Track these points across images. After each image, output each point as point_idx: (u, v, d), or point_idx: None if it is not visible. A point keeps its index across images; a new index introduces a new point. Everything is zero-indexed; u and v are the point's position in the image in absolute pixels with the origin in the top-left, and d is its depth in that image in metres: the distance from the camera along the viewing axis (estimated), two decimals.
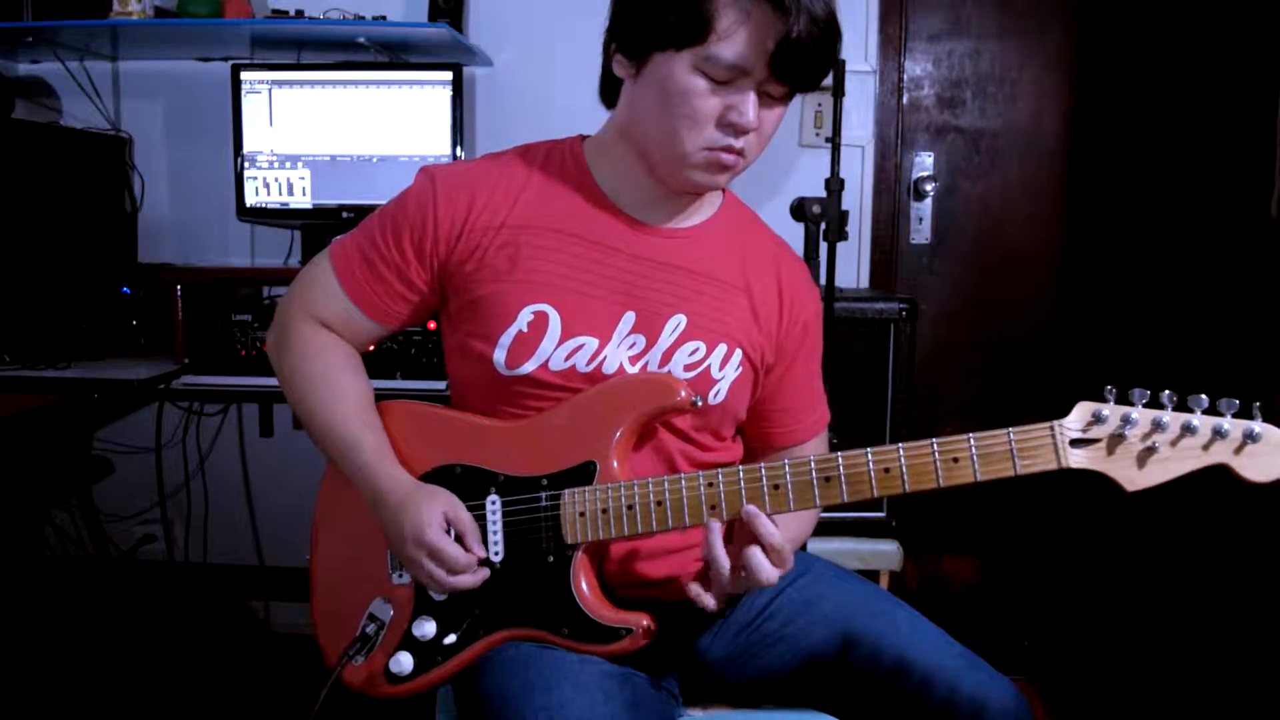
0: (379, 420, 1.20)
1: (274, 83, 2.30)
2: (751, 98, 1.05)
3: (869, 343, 2.16)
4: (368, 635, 1.16)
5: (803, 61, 1.03)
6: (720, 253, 1.21)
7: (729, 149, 1.08)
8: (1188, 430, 0.96)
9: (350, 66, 2.34)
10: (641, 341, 1.16)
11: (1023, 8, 2.56)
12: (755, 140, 1.10)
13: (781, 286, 1.24)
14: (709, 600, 1.07)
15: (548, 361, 1.14)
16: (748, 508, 1.05)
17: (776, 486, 1.06)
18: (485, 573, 1.12)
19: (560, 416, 1.14)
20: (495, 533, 1.13)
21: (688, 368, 1.17)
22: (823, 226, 1.98)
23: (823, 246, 2.00)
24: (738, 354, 1.19)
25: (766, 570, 1.05)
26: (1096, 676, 2.51)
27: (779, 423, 1.29)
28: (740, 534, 1.07)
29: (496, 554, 1.13)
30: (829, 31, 1.04)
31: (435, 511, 1.11)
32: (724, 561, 1.05)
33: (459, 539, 1.11)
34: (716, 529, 1.06)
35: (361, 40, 2.32)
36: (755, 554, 1.04)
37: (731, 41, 1.02)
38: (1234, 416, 0.96)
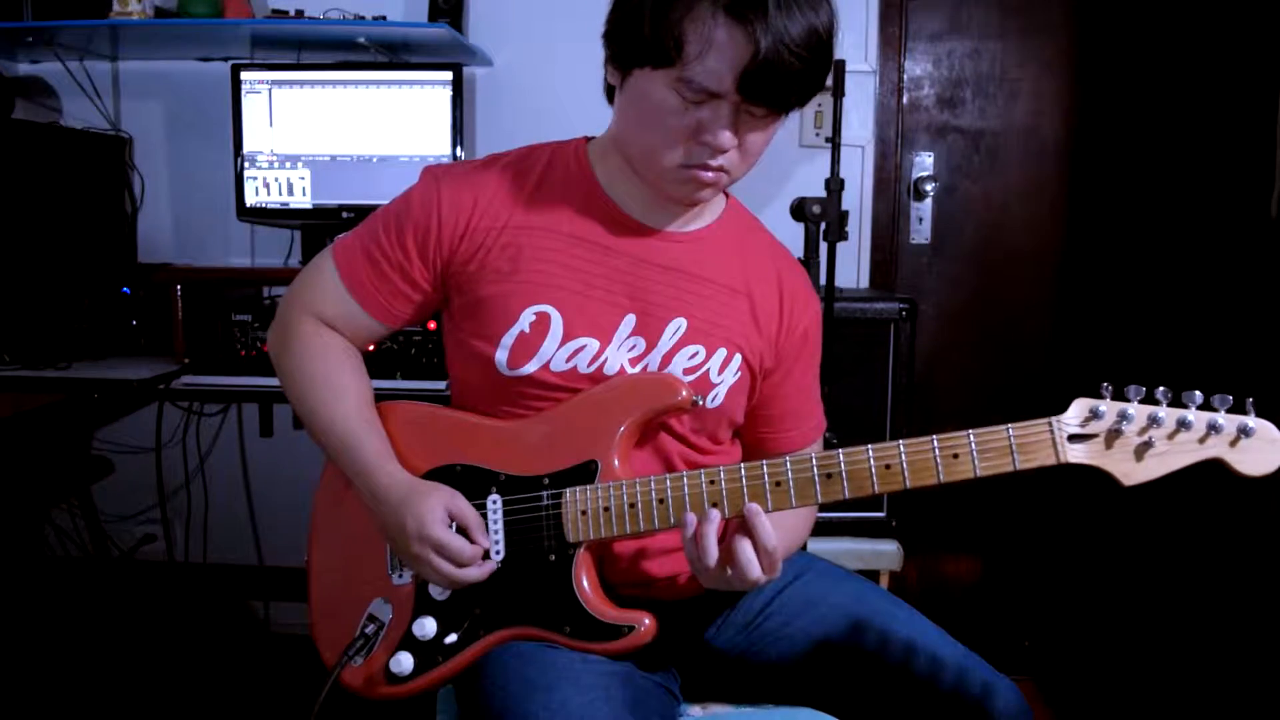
0: (379, 420, 1.20)
1: (274, 83, 2.30)
2: (724, 119, 1.04)
3: (869, 343, 2.16)
4: (367, 636, 1.16)
5: (775, 84, 1.02)
6: (722, 257, 1.21)
7: (706, 166, 1.08)
8: (1183, 425, 0.98)
9: (350, 66, 2.34)
10: (642, 344, 1.16)
11: (1023, 8, 2.57)
12: (739, 158, 1.09)
13: (782, 292, 1.24)
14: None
15: (549, 362, 1.14)
16: (750, 506, 1.05)
17: (778, 483, 1.06)
18: (491, 565, 1.12)
19: (561, 416, 1.15)
20: (496, 532, 1.13)
21: (687, 371, 1.17)
22: (823, 226, 1.98)
23: (823, 246, 2.00)
24: (737, 358, 1.19)
25: (755, 570, 1.04)
26: (1097, 676, 2.51)
27: (776, 428, 1.28)
28: (734, 531, 1.08)
29: (497, 553, 1.13)
30: (805, 55, 1.01)
31: (437, 506, 1.11)
32: (713, 553, 1.05)
33: (462, 532, 1.11)
34: (715, 517, 1.05)
35: (361, 40, 2.32)
36: (746, 550, 1.04)
37: (701, 64, 1.01)
38: (1228, 412, 0.97)
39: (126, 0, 2.24)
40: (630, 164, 1.14)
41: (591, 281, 1.16)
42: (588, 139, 1.23)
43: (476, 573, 1.11)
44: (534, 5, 2.51)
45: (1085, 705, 2.39)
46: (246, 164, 2.33)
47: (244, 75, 2.31)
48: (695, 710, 1.23)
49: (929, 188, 2.61)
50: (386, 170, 2.29)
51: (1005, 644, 2.59)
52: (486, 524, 1.13)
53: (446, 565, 1.10)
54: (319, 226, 2.32)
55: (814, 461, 1.05)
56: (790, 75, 1.02)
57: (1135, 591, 2.52)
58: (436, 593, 1.15)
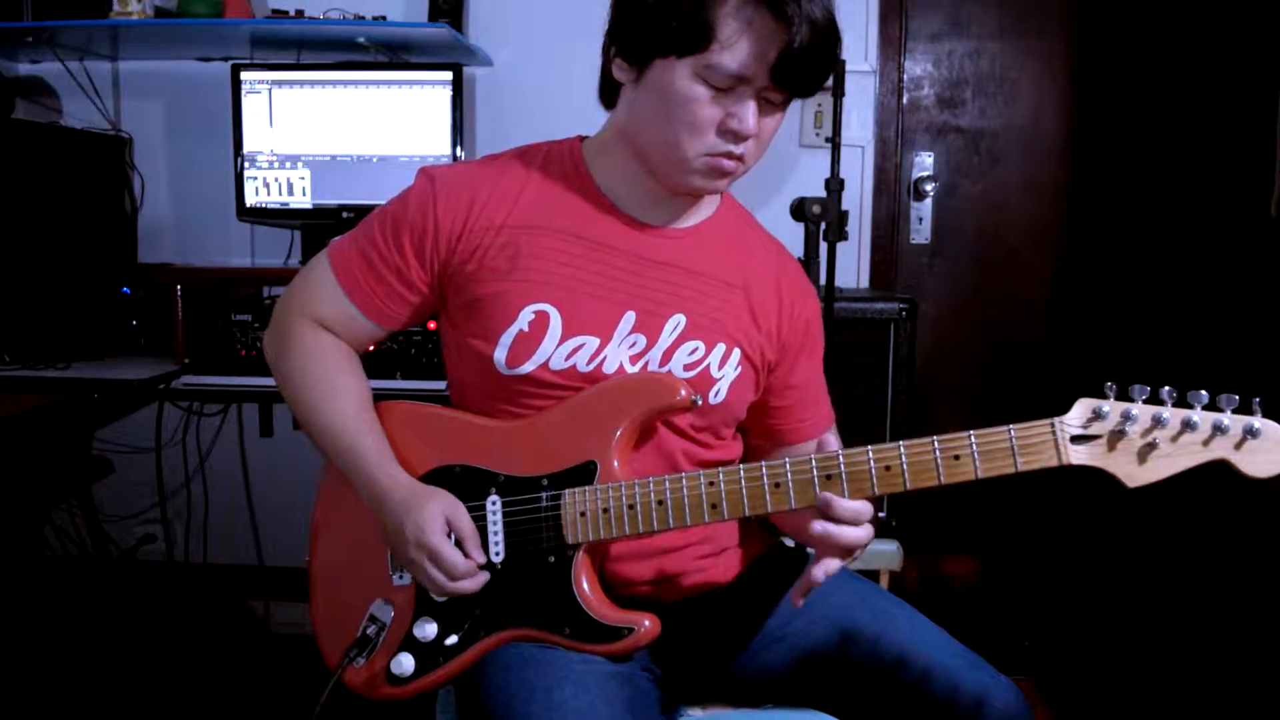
0: (378, 421, 1.20)
1: (274, 83, 2.30)
2: (751, 106, 1.06)
3: (869, 343, 2.16)
4: (368, 637, 1.16)
5: (804, 69, 1.04)
6: (719, 252, 1.21)
7: (729, 155, 1.09)
8: (1188, 426, 0.97)
9: (350, 66, 2.34)
10: (642, 341, 1.16)
11: (1023, 8, 2.57)
12: (755, 146, 1.11)
13: (780, 285, 1.24)
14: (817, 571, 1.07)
15: (548, 361, 1.14)
16: (821, 496, 1.04)
17: (777, 485, 1.06)
18: (485, 577, 1.12)
19: (560, 416, 1.14)
20: (496, 533, 1.13)
21: (687, 367, 1.17)
22: (823, 226, 1.98)
23: (823, 246, 2.00)
24: (736, 353, 1.19)
25: (848, 535, 1.05)
26: (1097, 676, 2.51)
27: (787, 419, 1.29)
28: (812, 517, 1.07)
29: (497, 554, 1.13)
30: (829, 38, 1.04)
31: (436, 513, 1.11)
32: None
33: (458, 544, 1.11)
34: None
35: (361, 40, 2.32)
36: (826, 527, 1.04)
37: (733, 50, 1.02)
38: (1234, 412, 0.96)
39: (126, 0, 2.24)
40: (645, 159, 1.14)
41: (590, 279, 1.15)
42: (581, 138, 1.23)
43: (469, 585, 1.11)
44: (534, 5, 2.51)
45: (1085, 705, 2.39)
46: (246, 164, 2.32)
47: (244, 75, 2.31)
48: (696, 712, 1.23)
49: (929, 188, 2.61)
50: (386, 170, 2.29)
51: (1005, 644, 2.59)
52: (486, 526, 1.13)
53: (439, 575, 1.10)
54: (319, 226, 2.32)
55: (813, 463, 1.05)
56: (817, 61, 1.04)
57: (1136, 592, 2.52)
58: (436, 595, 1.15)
